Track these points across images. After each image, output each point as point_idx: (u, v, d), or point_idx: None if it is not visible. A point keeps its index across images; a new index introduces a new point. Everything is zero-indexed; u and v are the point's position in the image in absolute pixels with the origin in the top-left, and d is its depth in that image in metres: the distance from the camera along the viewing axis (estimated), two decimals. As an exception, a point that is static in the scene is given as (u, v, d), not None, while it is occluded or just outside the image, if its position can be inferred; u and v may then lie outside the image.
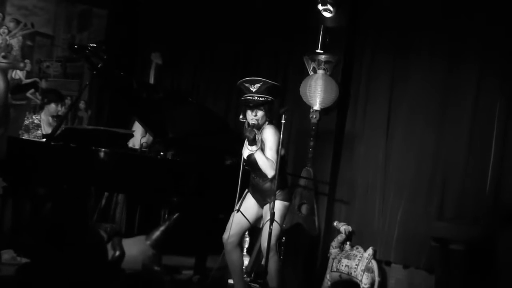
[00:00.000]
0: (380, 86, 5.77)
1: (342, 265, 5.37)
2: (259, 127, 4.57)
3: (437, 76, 5.38)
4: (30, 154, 5.16)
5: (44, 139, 5.63)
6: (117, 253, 4.73)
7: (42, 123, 6.35)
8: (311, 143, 5.88)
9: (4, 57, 7.95)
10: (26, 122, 6.39)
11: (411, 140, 5.49)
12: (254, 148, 4.49)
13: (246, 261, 5.94)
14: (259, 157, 4.49)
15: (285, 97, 6.39)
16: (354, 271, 5.27)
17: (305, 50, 6.12)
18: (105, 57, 5.49)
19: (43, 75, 8.28)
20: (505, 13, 5.00)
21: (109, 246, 4.79)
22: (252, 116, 4.54)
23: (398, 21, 5.72)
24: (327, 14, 5.89)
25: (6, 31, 7.95)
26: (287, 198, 4.68)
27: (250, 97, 4.53)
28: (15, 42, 8.05)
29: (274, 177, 4.40)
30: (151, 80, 7.03)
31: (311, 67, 5.97)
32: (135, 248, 4.97)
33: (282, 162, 4.50)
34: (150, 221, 6.32)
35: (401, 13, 5.69)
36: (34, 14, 8.22)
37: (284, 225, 5.50)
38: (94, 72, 5.61)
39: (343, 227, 5.60)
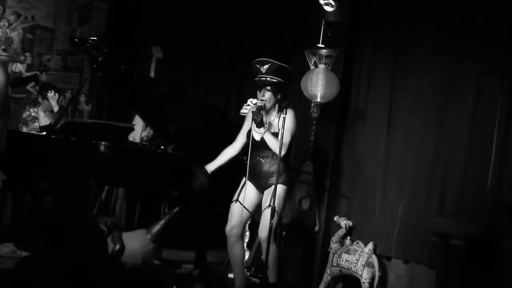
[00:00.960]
0: (381, 80, 5.75)
1: (343, 260, 5.37)
2: (266, 109, 4.65)
3: (438, 71, 5.36)
4: (30, 148, 5.16)
5: (44, 132, 5.63)
6: (117, 246, 4.72)
7: (39, 116, 6.36)
8: (312, 138, 5.86)
9: (4, 50, 7.94)
10: (24, 115, 6.40)
11: (412, 135, 5.48)
12: (262, 130, 4.58)
13: (246, 255, 5.95)
14: (268, 138, 4.59)
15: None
16: (355, 266, 5.27)
17: (306, 44, 6.10)
18: (105, 50, 5.48)
19: (44, 68, 8.27)
20: (506, 8, 4.98)
21: (109, 239, 4.78)
22: (260, 97, 4.65)
23: (399, 16, 5.70)
24: (328, 8, 5.86)
25: (6, 24, 7.93)
26: (287, 182, 4.75)
27: (259, 78, 4.63)
28: (15, 35, 8.04)
29: (282, 157, 4.51)
30: (152, 74, 7.02)
31: (312, 61, 5.95)
32: (135, 242, 4.96)
33: (288, 148, 4.64)
34: (150, 215, 6.31)
35: (402, 8, 5.67)
36: (34, 7, 8.20)
37: (284, 220, 5.50)
38: (95, 65, 5.61)
39: (344, 222, 5.59)
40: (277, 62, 4.64)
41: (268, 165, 4.71)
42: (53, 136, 5.22)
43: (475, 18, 5.16)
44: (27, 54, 8.13)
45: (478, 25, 5.13)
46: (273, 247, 4.66)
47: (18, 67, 8.08)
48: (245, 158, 4.88)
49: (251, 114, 4.63)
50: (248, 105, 6.18)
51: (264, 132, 4.59)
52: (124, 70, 5.70)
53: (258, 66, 4.66)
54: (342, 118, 6.01)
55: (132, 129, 5.96)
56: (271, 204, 4.45)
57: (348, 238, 5.58)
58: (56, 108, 6.56)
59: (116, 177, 5.31)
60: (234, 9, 7.12)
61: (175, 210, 5.19)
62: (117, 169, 5.19)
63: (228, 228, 4.80)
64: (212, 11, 7.33)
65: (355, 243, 5.46)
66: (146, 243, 5.03)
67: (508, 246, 4.45)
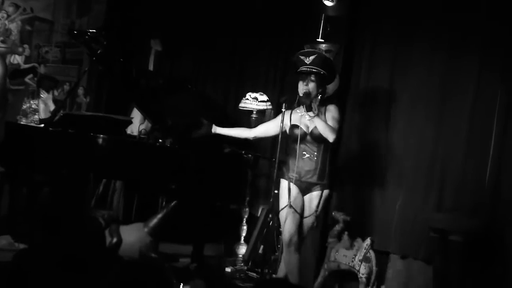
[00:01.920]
0: (381, 76, 5.74)
1: (340, 255, 5.36)
2: (311, 98, 4.63)
3: (438, 66, 5.34)
4: (28, 140, 5.14)
5: (42, 125, 5.61)
6: (115, 240, 4.72)
7: (39, 108, 6.34)
8: (311, 132, 5.85)
9: (2, 41, 7.92)
10: (24, 107, 6.39)
11: (411, 130, 5.47)
12: (311, 114, 4.58)
13: (243, 249, 5.95)
14: (318, 122, 4.58)
15: (284, 88, 6.38)
16: (352, 261, 5.26)
17: (305, 38, 6.09)
18: (104, 43, 5.46)
19: (42, 60, 8.25)
20: (506, 4, 4.97)
21: (106, 232, 4.77)
22: (304, 86, 4.63)
23: (399, 11, 5.69)
24: (328, 3, 5.85)
25: (5, 15, 7.91)
26: (328, 185, 4.80)
27: (303, 69, 4.64)
28: (14, 27, 8.01)
29: (333, 142, 4.58)
30: (151, 67, 7.01)
31: (312, 56, 5.93)
32: (132, 235, 4.96)
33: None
34: (148, 208, 6.31)
35: (402, 3, 5.66)
36: (33, -2, 8.18)
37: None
38: (93, 58, 5.58)
39: (342, 217, 5.58)
40: (323, 54, 4.64)
41: (313, 158, 4.67)
42: (50, 129, 5.20)
43: (475, 14, 5.15)
44: (26, 45, 8.11)
45: (478, 21, 5.12)
46: (296, 255, 4.66)
47: (16, 59, 8.06)
48: (273, 159, 4.86)
49: (284, 114, 4.64)
50: (247, 99, 6.17)
51: (314, 116, 4.58)
52: (122, 62, 5.68)
53: (302, 57, 4.66)
54: (341, 113, 5.99)
55: (130, 122, 5.95)
56: (317, 211, 4.63)
57: (346, 233, 5.57)
58: (52, 107, 6.53)
59: (114, 170, 5.29)
60: (234, 2, 7.10)
61: (172, 204, 5.19)
62: (115, 162, 5.17)
63: (286, 236, 4.66)
64: (211, 4, 7.31)
65: (353, 238, 5.46)
66: (143, 237, 5.03)
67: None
